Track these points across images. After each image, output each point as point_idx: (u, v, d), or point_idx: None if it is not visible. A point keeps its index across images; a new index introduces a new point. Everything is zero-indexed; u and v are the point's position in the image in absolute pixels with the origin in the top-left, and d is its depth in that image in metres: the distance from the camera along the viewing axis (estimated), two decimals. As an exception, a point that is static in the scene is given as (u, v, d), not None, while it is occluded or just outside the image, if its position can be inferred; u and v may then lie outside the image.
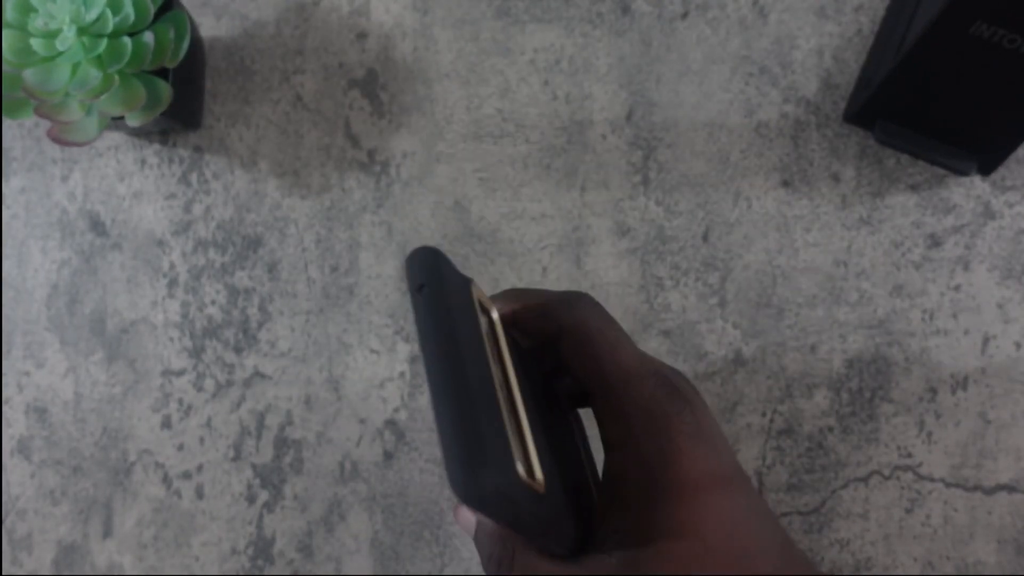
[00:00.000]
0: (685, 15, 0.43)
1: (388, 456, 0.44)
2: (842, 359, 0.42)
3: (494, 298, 0.26)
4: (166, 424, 0.45)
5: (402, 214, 0.44)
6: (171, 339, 0.45)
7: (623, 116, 0.43)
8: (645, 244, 0.43)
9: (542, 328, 0.25)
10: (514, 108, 0.44)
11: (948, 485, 0.41)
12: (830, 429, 0.42)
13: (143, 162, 0.45)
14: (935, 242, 0.42)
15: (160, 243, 0.45)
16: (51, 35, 0.37)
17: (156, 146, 0.45)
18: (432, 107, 0.44)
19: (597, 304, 0.26)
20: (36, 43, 0.37)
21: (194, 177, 0.45)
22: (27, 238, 0.46)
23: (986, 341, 0.41)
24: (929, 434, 0.41)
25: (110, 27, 0.37)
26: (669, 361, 0.42)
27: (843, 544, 0.42)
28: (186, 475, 0.45)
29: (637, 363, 0.24)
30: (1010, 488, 0.41)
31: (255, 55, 0.45)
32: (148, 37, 0.38)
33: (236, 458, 0.45)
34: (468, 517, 0.25)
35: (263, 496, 0.44)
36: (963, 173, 0.41)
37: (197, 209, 0.45)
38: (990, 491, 0.41)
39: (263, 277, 0.44)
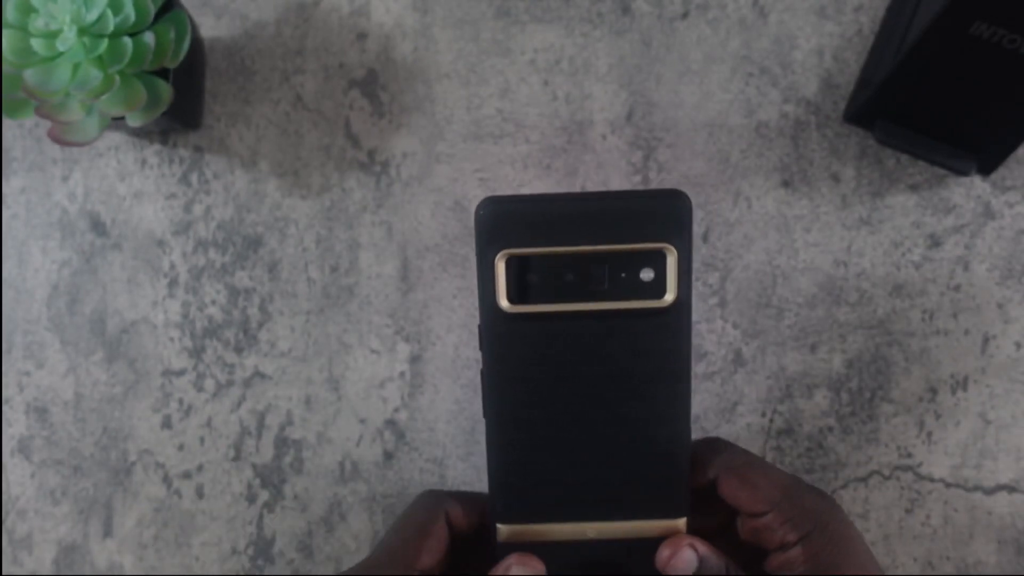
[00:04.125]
0: (685, 15, 0.43)
1: (388, 456, 0.44)
2: (842, 359, 0.42)
3: None
4: (166, 424, 0.45)
5: (402, 214, 0.44)
6: (171, 339, 0.45)
7: (623, 116, 0.43)
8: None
9: (696, 478, 0.31)
10: (514, 108, 0.44)
11: (948, 485, 0.41)
12: (830, 429, 0.42)
13: (143, 162, 0.45)
14: (935, 242, 0.42)
15: (160, 243, 0.45)
16: (52, 35, 0.37)
17: (156, 146, 0.46)
18: (432, 107, 0.44)
19: (729, 442, 0.33)
20: (37, 43, 0.37)
21: (194, 177, 0.45)
22: (27, 238, 0.46)
23: (986, 341, 0.41)
24: (929, 434, 0.41)
25: (111, 27, 0.37)
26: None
27: (843, 544, 0.41)
28: (186, 475, 0.45)
29: (785, 480, 0.30)
30: (1010, 488, 0.41)
31: (255, 55, 0.45)
32: (149, 37, 0.38)
33: (236, 458, 0.45)
34: (689, 558, 0.30)
35: (263, 496, 0.44)
36: (963, 173, 0.41)
37: (197, 209, 0.45)
38: (990, 491, 0.41)
39: (263, 277, 0.45)
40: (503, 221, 0.28)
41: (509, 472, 0.30)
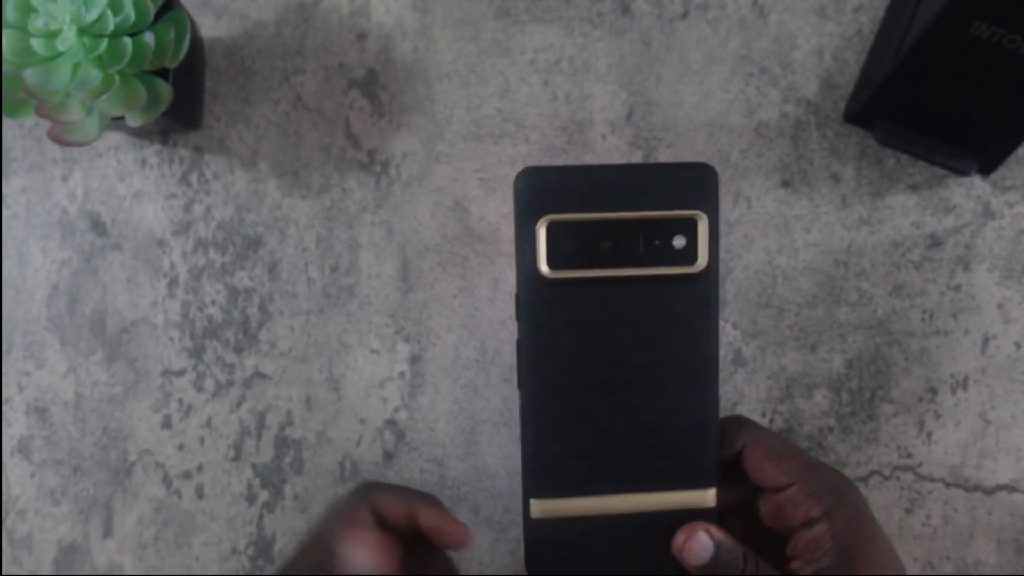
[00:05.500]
0: (685, 15, 0.43)
1: (388, 456, 0.44)
2: (842, 359, 0.42)
3: None
4: (166, 424, 0.45)
5: (402, 214, 0.44)
6: (171, 339, 0.45)
7: (623, 116, 0.43)
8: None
9: (722, 451, 0.31)
10: (514, 108, 0.44)
11: (948, 485, 0.41)
12: (830, 429, 0.42)
13: (143, 162, 0.45)
14: (935, 242, 0.42)
15: (160, 243, 0.45)
16: (52, 35, 0.37)
17: (156, 146, 0.46)
18: (432, 107, 0.44)
19: (753, 420, 0.33)
20: (37, 43, 0.37)
21: (194, 177, 0.45)
22: (27, 238, 0.46)
23: (986, 341, 0.41)
24: (929, 434, 0.41)
25: (111, 27, 0.37)
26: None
27: (843, 544, 0.42)
28: (186, 475, 0.45)
29: (807, 457, 0.30)
30: (1010, 488, 0.41)
31: (255, 55, 0.45)
32: (148, 37, 0.38)
33: (236, 458, 0.45)
34: (704, 542, 0.29)
35: (263, 496, 0.44)
36: (963, 173, 0.41)
37: (197, 209, 0.45)
38: (990, 491, 0.41)
39: (263, 277, 0.45)
40: (542, 189, 0.29)
41: (543, 443, 0.31)
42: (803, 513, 0.29)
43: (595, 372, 0.30)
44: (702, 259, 0.29)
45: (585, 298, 0.30)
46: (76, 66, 0.38)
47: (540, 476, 0.31)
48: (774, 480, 0.30)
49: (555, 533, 0.31)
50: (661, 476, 0.31)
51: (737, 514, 0.32)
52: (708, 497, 0.31)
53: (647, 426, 0.30)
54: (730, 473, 0.31)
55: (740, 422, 0.32)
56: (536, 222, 0.29)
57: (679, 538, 0.30)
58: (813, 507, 0.29)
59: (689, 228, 0.29)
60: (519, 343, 0.30)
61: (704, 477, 0.31)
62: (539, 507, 0.31)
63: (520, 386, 0.30)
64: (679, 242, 0.29)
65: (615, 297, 0.30)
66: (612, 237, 0.29)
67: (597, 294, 0.30)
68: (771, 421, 0.42)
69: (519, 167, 0.43)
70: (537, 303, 0.30)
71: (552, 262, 0.29)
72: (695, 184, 0.29)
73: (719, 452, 0.31)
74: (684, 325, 0.30)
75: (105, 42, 0.37)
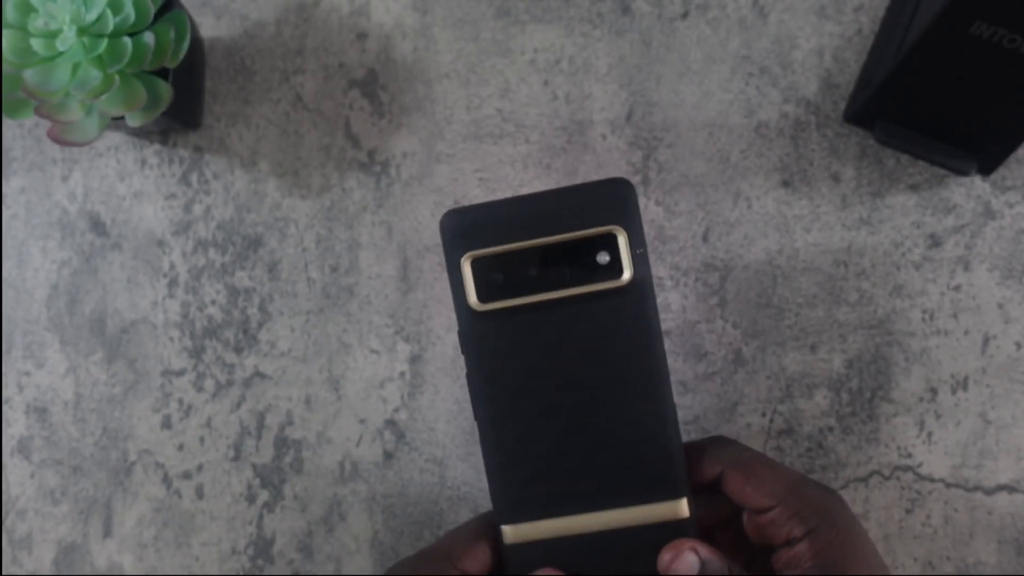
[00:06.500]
0: (685, 15, 0.43)
1: (388, 456, 0.44)
2: (842, 359, 0.42)
3: None
4: (166, 424, 0.45)
5: (402, 214, 0.44)
6: (171, 339, 0.45)
7: (623, 116, 0.43)
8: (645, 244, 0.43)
9: (702, 474, 0.31)
10: (514, 108, 0.44)
11: (948, 485, 0.41)
12: (830, 429, 0.42)
13: (143, 162, 0.45)
14: (935, 242, 0.42)
15: (160, 243, 0.45)
16: (51, 35, 0.37)
17: (156, 146, 0.46)
18: (432, 107, 0.44)
19: (734, 440, 0.33)
20: (36, 43, 0.37)
21: (194, 177, 0.45)
22: (27, 238, 0.46)
23: (986, 341, 0.41)
24: (929, 434, 0.41)
25: (110, 27, 0.37)
26: (669, 360, 0.42)
27: (843, 544, 0.41)
28: (186, 475, 0.45)
29: (791, 476, 0.30)
30: (1010, 488, 0.41)
31: (255, 55, 0.45)
32: (148, 37, 0.38)
33: (236, 458, 0.45)
34: (691, 560, 0.29)
35: (263, 496, 0.44)
36: (963, 173, 0.41)
37: (197, 209, 0.45)
38: (990, 491, 0.41)
39: (263, 277, 0.45)
40: (464, 228, 0.31)
41: (506, 470, 0.31)
42: (785, 533, 0.29)
43: (544, 396, 0.31)
44: (627, 272, 0.30)
45: (521, 325, 0.31)
46: (76, 66, 0.38)
47: (507, 502, 0.31)
48: (756, 503, 0.30)
49: (532, 556, 0.31)
50: (629, 491, 0.31)
51: (724, 526, 0.32)
52: (681, 507, 0.31)
53: (604, 443, 0.31)
54: (712, 493, 0.31)
55: (719, 443, 0.32)
56: (460, 259, 0.30)
57: (665, 557, 0.29)
58: (795, 527, 0.29)
59: (610, 243, 0.30)
60: (468, 376, 0.31)
61: (673, 488, 0.31)
62: (512, 532, 0.31)
63: (475, 417, 0.31)
64: (603, 258, 0.30)
65: (550, 320, 0.31)
66: (536, 263, 0.30)
67: (532, 320, 0.31)
68: (771, 421, 0.42)
69: (519, 167, 0.44)
70: (475, 336, 0.31)
71: (482, 295, 0.30)
72: (611, 199, 0.30)
73: (685, 461, 0.31)
74: (622, 339, 0.31)
75: (105, 42, 0.37)
